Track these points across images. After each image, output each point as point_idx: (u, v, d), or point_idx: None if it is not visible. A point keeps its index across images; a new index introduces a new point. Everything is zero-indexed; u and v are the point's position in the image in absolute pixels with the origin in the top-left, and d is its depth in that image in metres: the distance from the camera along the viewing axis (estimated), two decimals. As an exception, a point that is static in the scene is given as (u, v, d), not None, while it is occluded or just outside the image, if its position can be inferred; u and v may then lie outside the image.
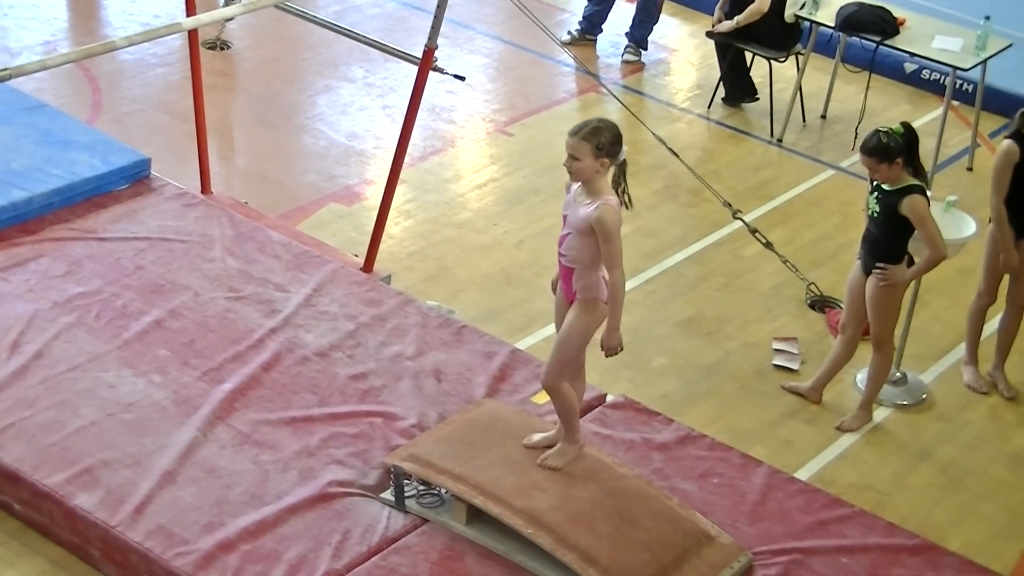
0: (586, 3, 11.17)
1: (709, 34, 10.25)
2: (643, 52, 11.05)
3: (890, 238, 6.85)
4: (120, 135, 8.59)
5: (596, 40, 11.21)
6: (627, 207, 5.51)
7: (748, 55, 10.25)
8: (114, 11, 10.87)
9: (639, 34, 11.02)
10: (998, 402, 7.56)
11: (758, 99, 10.38)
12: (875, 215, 6.86)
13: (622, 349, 5.58)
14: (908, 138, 6.71)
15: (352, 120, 9.76)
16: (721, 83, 10.37)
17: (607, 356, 5.58)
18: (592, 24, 11.17)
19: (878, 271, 6.89)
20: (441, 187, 9.08)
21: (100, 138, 8.16)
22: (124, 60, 10.16)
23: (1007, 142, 7.13)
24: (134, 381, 6.34)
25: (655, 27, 11.05)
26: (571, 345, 5.59)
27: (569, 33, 11.15)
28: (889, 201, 6.75)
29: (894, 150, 6.66)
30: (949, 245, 7.03)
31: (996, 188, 7.17)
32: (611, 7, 11.11)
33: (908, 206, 6.68)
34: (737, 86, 10.41)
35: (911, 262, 6.91)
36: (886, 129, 6.72)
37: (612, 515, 5.63)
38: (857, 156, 9.56)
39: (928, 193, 6.81)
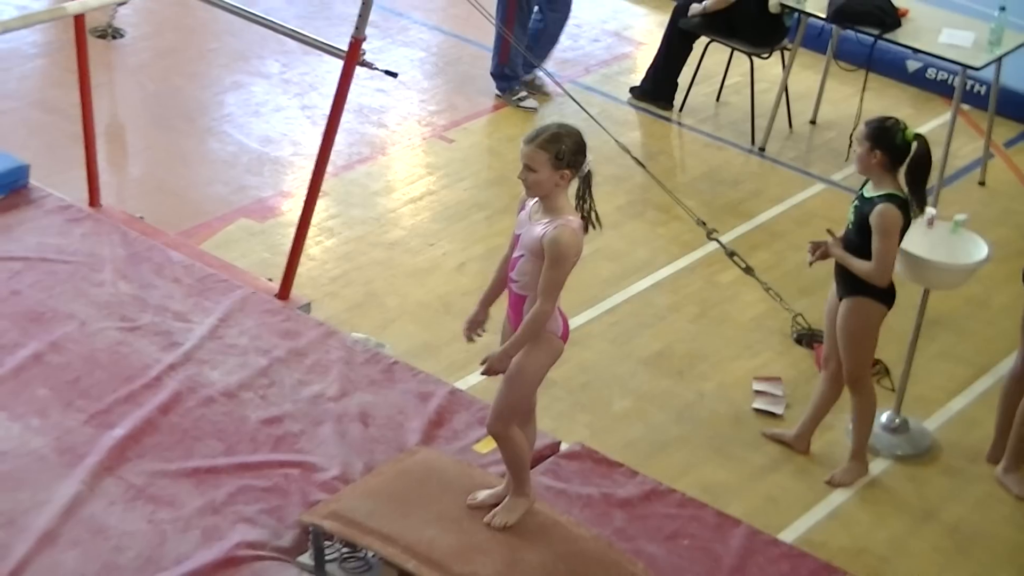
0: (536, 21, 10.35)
1: (682, 23, 10.31)
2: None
3: (861, 255, 6.84)
4: (-8, 137, 8.57)
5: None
6: (593, 227, 5.54)
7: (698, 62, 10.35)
8: (-16, -9, 10.87)
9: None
10: (1013, 453, 7.64)
11: (669, 110, 10.46)
12: (849, 226, 6.91)
13: (496, 373, 5.61)
14: (916, 150, 6.70)
15: (266, 122, 9.76)
16: (650, 71, 10.50)
17: (483, 374, 5.65)
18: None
19: (848, 300, 6.93)
20: (369, 201, 9.10)
21: (-32, 141, 8.15)
22: (-3, 50, 10.16)
23: None
24: (8, 426, 6.30)
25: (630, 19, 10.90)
26: (521, 386, 5.61)
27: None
28: (863, 210, 6.79)
29: (887, 143, 6.68)
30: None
31: None
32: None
33: (877, 214, 6.69)
34: (658, 82, 10.49)
35: (890, 294, 6.91)
36: (902, 123, 6.75)
37: (566, 583, 5.64)
38: (852, 168, 9.63)
39: (929, 210, 6.81)
